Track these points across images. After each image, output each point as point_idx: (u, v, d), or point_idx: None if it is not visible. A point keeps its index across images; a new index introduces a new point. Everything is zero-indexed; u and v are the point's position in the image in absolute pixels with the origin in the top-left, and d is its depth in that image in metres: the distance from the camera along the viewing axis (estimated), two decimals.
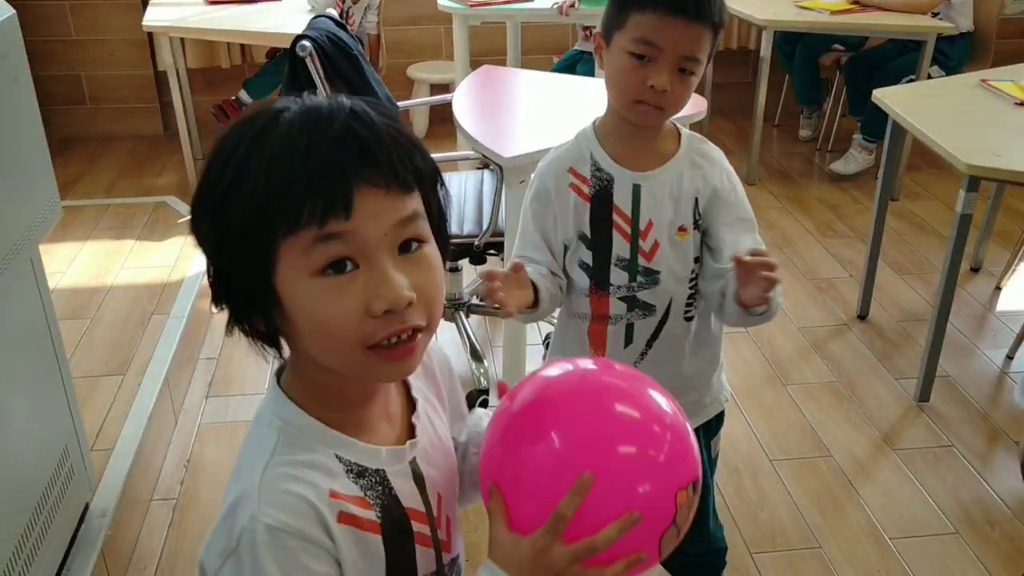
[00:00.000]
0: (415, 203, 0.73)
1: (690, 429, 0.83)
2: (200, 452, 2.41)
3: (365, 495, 0.77)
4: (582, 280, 1.41)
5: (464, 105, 2.63)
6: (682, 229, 1.36)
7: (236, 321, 0.76)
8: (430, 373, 0.93)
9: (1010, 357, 2.83)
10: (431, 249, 0.75)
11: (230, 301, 0.75)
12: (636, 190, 1.35)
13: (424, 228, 0.74)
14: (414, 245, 0.73)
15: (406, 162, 0.72)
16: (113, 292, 3.04)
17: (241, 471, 0.77)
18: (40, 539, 1.71)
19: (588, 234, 1.38)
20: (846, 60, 4.30)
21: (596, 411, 0.80)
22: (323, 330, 0.71)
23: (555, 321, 1.48)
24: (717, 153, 1.41)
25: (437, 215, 0.77)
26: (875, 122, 3.90)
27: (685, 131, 1.41)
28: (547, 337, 2.77)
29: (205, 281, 3.05)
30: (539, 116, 2.65)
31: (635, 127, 1.34)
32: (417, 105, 3.56)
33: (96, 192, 4.00)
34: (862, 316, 3.05)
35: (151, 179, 4.20)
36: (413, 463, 0.83)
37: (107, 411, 2.36)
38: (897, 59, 3.99)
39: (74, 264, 3.23)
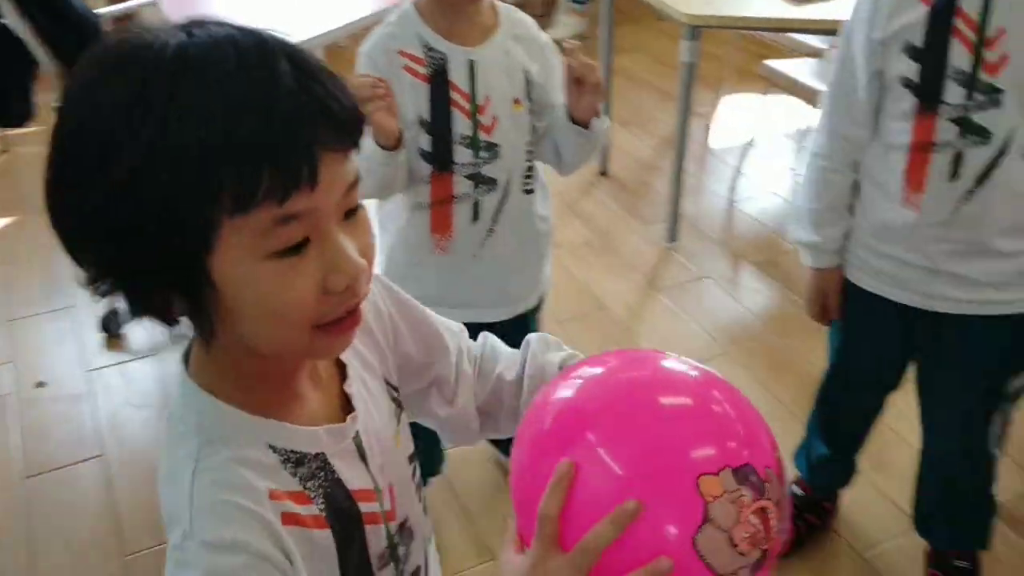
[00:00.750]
0: (356, 162, 0.63)
1: (745, 412, 0.68)
2: None
3: (304, 487, 0.68)
4: (422, 168, 1.39)
5: (176, 4, 2.36)
6: (517, 101, 1.39)
7: (136, 307, 0.61)
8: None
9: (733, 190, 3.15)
10: (365, 209, 0.65)
11: (131, 287, 0.60)
12: (471, 66, 1.35)
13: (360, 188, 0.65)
14: (357, 208, 0.63)
15: (357, 115, 0.61)
16: None
17: (167, 480, 0.66)
18: None
19: (427, 117, 1.36)
20: None
21: (589, 398, 0.68)
22: (275, 314, 0.60)
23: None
24: (531, 22, 1.43)
25: None
26: None
27: (498, 3, 1.41)
28: None
29: None
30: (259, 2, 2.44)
31: (458, 3, 1.33)
32: (115, 13, 3.07)
33: None
34: (603, 172, 3.21)
35: None
36: (356, 438, 0.73)
37: None
38: None
39: None
